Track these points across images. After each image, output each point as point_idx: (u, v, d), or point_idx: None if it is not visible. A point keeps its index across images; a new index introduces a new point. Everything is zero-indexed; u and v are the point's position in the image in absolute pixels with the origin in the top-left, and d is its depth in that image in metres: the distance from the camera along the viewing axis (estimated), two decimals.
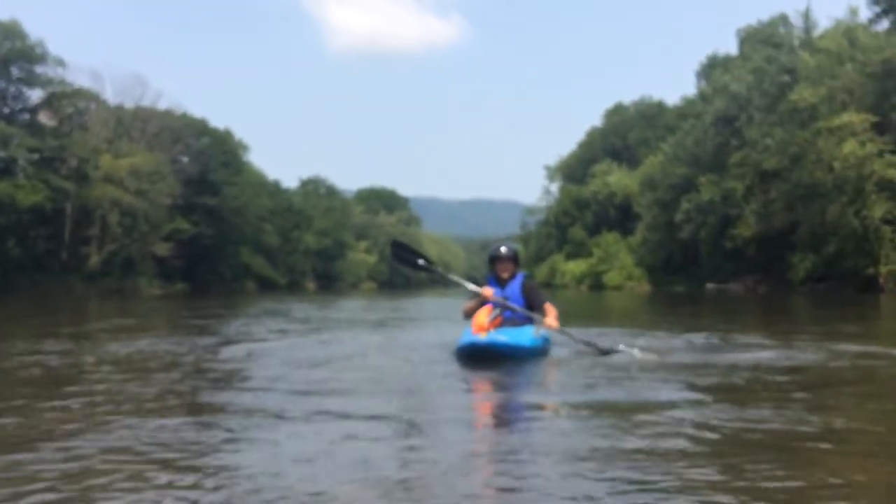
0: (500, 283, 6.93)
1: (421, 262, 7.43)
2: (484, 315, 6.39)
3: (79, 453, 3.14)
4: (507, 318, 6.62)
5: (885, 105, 35.87)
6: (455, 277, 7.49)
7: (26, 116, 46.27)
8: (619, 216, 71.21)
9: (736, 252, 47.56)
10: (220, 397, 4.56)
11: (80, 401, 4.42)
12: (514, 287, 6.90)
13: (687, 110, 61.62)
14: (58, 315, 18.03)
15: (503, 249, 7.02)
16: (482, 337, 6.06)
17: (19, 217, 40.54)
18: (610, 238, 68.08)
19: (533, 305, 6.81)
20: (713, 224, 49.13)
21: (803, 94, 37.77)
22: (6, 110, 45.44)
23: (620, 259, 65.26)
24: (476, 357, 6.00)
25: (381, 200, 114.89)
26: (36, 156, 43.72)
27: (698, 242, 52.17)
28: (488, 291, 6.69)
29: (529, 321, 6.65)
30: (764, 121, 42.56)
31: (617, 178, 73.07)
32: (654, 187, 57.82)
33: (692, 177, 51.06)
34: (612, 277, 63.43)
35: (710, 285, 48.36)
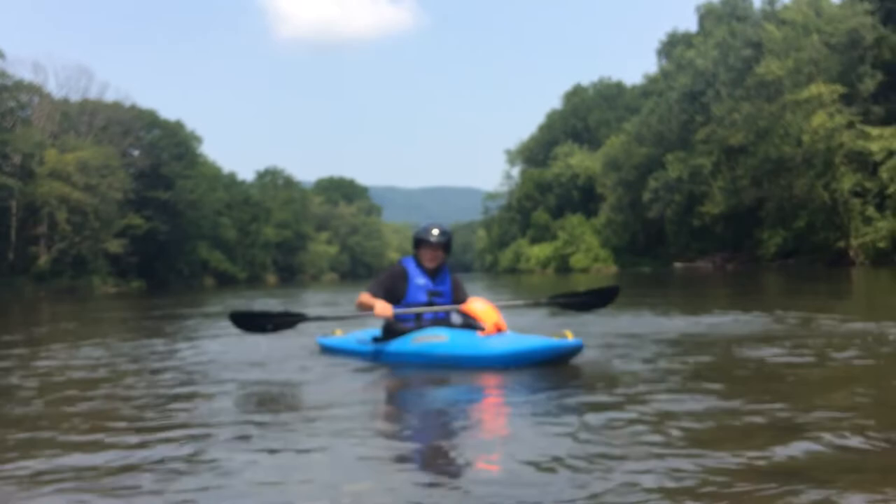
0: (427, 273, 5.47)
1: (270, 324, 5.78)
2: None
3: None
4: (440, 319, 5.33)
5: (852, 75, 35.65)
6: (342, 313, 6.26)
7: None
8: (583, 198, 70.84)
9: (703, 230, 47.34)
10: (173, 408, 4.04)
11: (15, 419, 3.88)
12: (447, 281, 5.52)
13: (650, 88, 61.28)
14: (2, 318, 16.71)
15: (435, 232, 5.44)
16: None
17: None
18: (574, 220, 67.63)
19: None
20: (680, 202, 48.83)
21: (770, 67, 37.43)
22: None
23: (586, 241, 64.87)
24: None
25: (340, 190, 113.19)
26: None
27: (664, 222, 51.88)
28: (386, 309, 5.20)
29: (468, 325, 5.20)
30: (730, 96, 42.18)
31: (579, 160, 72.67)
32: (618, 167, 57.44)
33: (657, 156, 50.69)
34: (578, 260, 63.03)
35: (677, 264, 48.08)
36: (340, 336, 6.07)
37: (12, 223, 44.38)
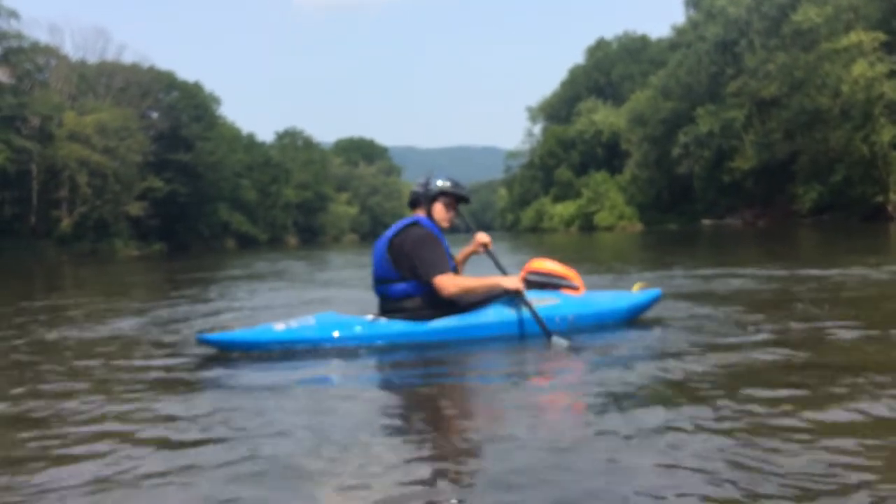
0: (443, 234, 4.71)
1: None
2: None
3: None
4: None
5: (893, 22, 34.08)
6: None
7: None
8: (607, 154, 69.57)
9: (732, 186, 46.17)
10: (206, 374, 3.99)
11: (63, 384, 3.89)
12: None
13: (677, 40, 59.51)
14: (27, 284, 16.39)
15: (458, 184, 4.77)
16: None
17: None
18: (598, 177, 66.43)
19: None
20: (708, 157, 47.57)
21: (807, 15, 35.88)
22: None
23: (610, 198, 63.77)
24: None
25: (360, 151, 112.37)
26: None
27: (691, 178, 50.70)
28: (518, 283, 4.53)
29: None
30: (764, 46, 40.65)
31: (603, 116, 71.18)
32: (644, 123, 56.08)
33: (685, 110, 49.31)
34: (602, 218, 62.03)
35: (706, 221, 47.06)
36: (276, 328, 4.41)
37: (33, 187, 44.17)
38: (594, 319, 4.71)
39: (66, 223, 45.18)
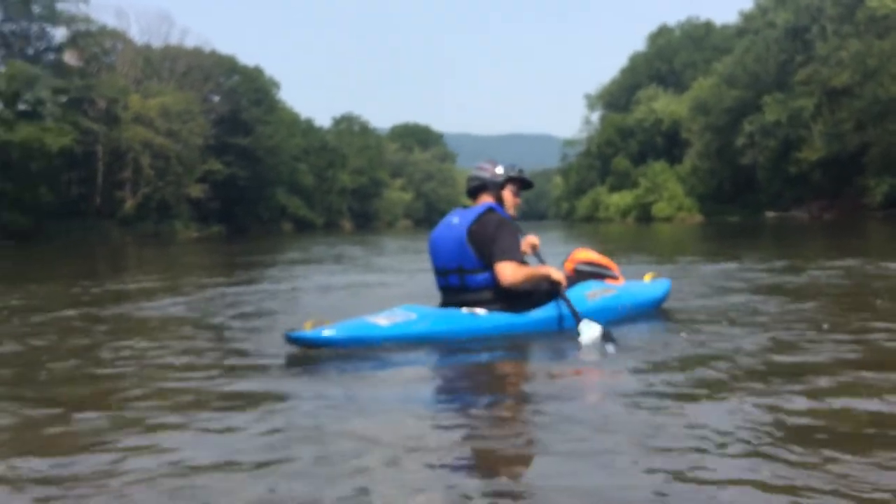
0: None
1: None
2: None
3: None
4: None
5: None
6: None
7: (51, 57, 44.58)
8: (667, 144, 68.17)
9: (798, 177, 44.77)
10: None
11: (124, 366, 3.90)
12: None
13: (744, 27, 57.81)
14: (96, 264, 16.74)
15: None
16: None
17: (49, 161, 39.19)
18: (657, 167, 65.13)
19: None
20: (774, 148, 46.17)
21: (883, 1, 34.40)
22: (30, 50, 43.79)
23: (669, 189, 62.47)
24: None
25: (416, 137, 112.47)
26: (63, 97, 42.15)
27: (755, 168, 49.33)
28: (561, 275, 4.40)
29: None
30: (836, 33, 39.19)
31: (664, 104, 69.69)
32: (707, 111, 54.68)
33: (750, 98, 47.90)
34: (660, 208, 60.84)
35: (770, 214, 45.76)
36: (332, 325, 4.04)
37: (99, 168, 45.30)
38: (641, 309, 4.87)
39: (129, 204, 46.25)
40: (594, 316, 4.31)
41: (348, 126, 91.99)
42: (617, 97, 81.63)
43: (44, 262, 16.99)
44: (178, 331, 5.02)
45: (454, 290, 4.36)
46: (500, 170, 4.53)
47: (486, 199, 4.48)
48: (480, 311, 4.20)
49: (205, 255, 19.49)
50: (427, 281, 5.24)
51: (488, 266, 4.22)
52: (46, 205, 39.36)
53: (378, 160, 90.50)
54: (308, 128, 78.32)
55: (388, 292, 6.13)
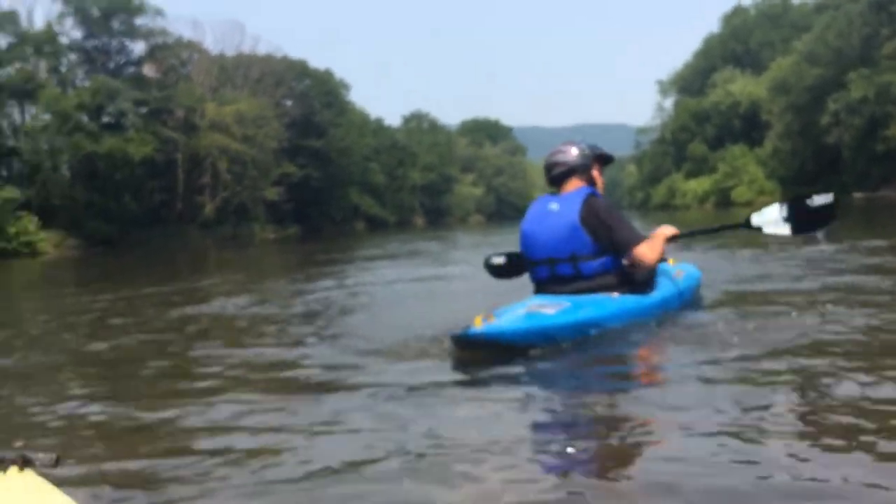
0: None
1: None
2: None
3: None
4: None
5: None
6: None
7: (131, 70, 46.26)
8: (745, 127, 65.99)
9: (887, 156, 42.67)
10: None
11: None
12: None
13: (824, 2, 55.45)
14: (181, 268, 17.23)
15: None
16: None
17: (132, 171, 40.72)
18: (736, 151, 63.15)
19: None
20: (860, 126, 44.14)
21: None
22: (111, 65, 45.55)
23: (749, 172, 60.54)
24: None
25: (485, 131, 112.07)
26: (143, 109, 43.70)
27: (840, 148, 47.26)
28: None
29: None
30: None
31: (740, 86, 67.49)
32: (787, 91, 52.65)
33: (833, 76, 45.89)
34: (740, 193, 58.99)
35: (857, 194, 43.77)
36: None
37: (179, 175, 46.78)
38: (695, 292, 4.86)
39: (208, 209, 47.62)
40: (684, 295, 4.42)
41: (418, 124, 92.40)
42: (691, 81, 79.54)
43: (130, 268, 17.58)
44: (277, 329, 5.09)
45: (565, 280, 4.13)
46: (585, 150, 4.35)
47: (577, 184, 4.29)
48: (615, 294, 4.05)
49: (286, 256, 19.91)
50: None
51: (603, 252, 4.07)
52: (130, 213, 40.89)
53: (448, 156, 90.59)
54: (378, 127, 79.02)
55: (476, 286, 6.03)
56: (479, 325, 3.52)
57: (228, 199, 48.39)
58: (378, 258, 13.91)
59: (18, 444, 2.63)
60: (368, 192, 69.67)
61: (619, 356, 3.65)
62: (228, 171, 47.90)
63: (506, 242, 19.07)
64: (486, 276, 4.80)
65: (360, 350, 3.97)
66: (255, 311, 6.14)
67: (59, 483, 1.15)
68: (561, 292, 4.06)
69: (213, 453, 2.44)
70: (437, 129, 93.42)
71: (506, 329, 3.57)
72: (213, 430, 2.74)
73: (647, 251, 4.08)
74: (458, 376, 3.39)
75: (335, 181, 61.85)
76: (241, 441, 2.57)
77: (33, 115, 41.71)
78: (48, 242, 35.58)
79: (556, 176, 4.32)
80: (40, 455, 1.09)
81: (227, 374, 3.65)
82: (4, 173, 39.37)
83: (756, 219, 4.14)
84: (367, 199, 68.76)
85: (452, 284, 7.21)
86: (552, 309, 3.74)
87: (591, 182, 4.32)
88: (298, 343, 4.39)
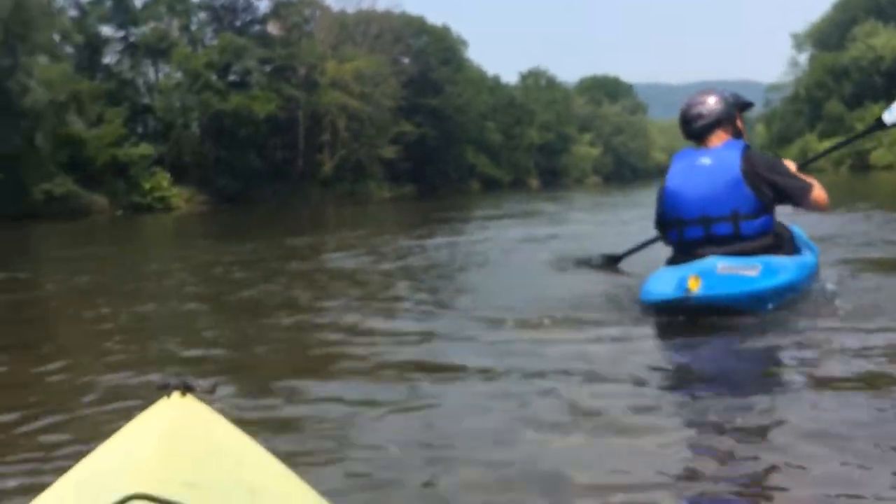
0: None
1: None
2: None
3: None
4: None
5: None
6: None
7: (256, 28, 47.50)
8: (887, 84, 61.22)
9: None
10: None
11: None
12: None
13: None
14: (307, 223, 17.73)
15: None
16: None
17: (257, 128, 42.04)
18: (876, 110, 58.18)
19: None
20: None
21: None
22: (237, 23, 46.86)
23: (890, 134, 56.21)
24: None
25: (604, 89, 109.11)
26: (267, 67, 44.88)
27: None
28: None
29: None
30: None
31: (884, 40, 62.67)
32: None
33: None
34: (880, 156, 55.03)
35: None
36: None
37: (300, 132, 47.94)
38: None
39: (327, 166, 48.67)
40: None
41: (535, 81, 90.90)
42: (828, 35, 74.43)
43: (255, 223, 18.23)
44: (401, 287, 5.13)
45: (722, 241, 3.78)
46: (728, 98, 4.03)
47: (723, 136, 3.96)
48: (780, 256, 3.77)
49: (403, 214, 20.10)
50: (640, 233, 4.93)
51: (764, 210, 3.76)
52: (254, 169, 42.32)
53: (566, 115, 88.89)
54: (495, 85, 78.30)
55: (598, 245, 5.84)
56: (695, 289, 3.28)
57: (346, 157, 49.25)
58: (496, 218, 13.79)
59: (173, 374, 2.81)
60: (484, 152, 69.35)
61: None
62: (346, 129, 48.69)
63: (627, 204, 18.53)
64: (610, 238, 4.70)
65: (485, 316, 3.86)
66: (376, 268, 6.16)
67: None
68: (716, 254, 3.72)
69: (334, 401, 2.52)
70: (554, 86, 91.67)
71: (732, 292, 3.35)
72: (332, 384, 2.83)
73: (821, 193, 3.79)
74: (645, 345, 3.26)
75: (451, 140, 61.85)
76: (359, 390, 2.65)
77: (166, 74, 43.67)
78: (180, 198, 37.43)
79: (700, 129, 3.99)
80: (200, 382, 1.17)
81: (346, 328, 3.69)
82: (140, 130, 41.46)
83: (888, 116, 3.68)
84: (482, 158, 68.48)
85: (580, 243, 6.97)
86: (753, 271, 3.46)
87: (738, 133, 4.02)
88: (427, 302, 4.32)
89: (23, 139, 30.75)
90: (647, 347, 3.22)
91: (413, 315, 3.96)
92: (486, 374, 2.77)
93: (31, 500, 0.98)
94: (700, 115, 3.98)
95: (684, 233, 3.91)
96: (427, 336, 3.47)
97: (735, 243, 3.74)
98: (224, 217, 23.65)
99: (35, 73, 31.75)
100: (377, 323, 3.79)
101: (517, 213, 15.59)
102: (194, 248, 10.86)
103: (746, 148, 3.83)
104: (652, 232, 4.48)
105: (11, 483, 2.02)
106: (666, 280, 3.53)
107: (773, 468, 1.88)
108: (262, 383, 2.86)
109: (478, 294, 4.50)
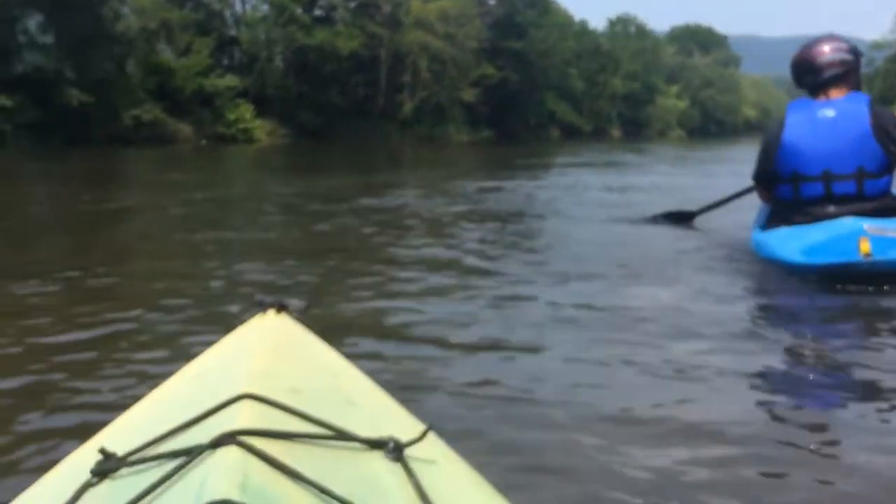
0: None
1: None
2: None
3: None
4: None
5: None
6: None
7: None
8: None
9: None
10: None
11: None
12: None
13: None
14: (385, 162, 17.87)
15: None
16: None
17: (340, 64, 42.09)
18: None
19: None
20: None
21: None
22: None
23: None
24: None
25: (696, 39, 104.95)
26: (352, 3, 44.66)
27: None
28: None
29: None
30: None
31: None
32: None
33: None
34: None
35: None
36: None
37: (382, 71, 47.77)
38: None
39: (407, 107, 48.50)
40: None
41: (624, 28, 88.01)
42: None
43: (336, 159, 18.42)
44: (476, 232, 5.08)
45: (843, 200, 3.53)
46: (854, 47, 3.79)
47: (844, 89, 3.69)
48: None
49: (482, 158, 20.05)
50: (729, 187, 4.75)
51: (889, 169, 3.52)
52: (335, 106, 42.52)
53: (653, 64, 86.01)
54: (581, 30, 76.19)
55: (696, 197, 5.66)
56: (867, 252, 3.04)
57: (426, 98, 48.93)
58: (576, 166, 13.53)
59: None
60: (566, 99, 67.91)
61: None
62: (428, 69, 48.26)
63: (713, 159, 17.94)
64: (696, 193, 4.52)
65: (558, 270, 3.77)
66: (453, 211, 6.13)
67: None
68: (838, 215, 3.48)
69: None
70: (644, 34, 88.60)
71: None
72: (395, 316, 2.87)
73: None
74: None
75: (533, 85, 60.67)
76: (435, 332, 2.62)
77: (253, 6, 43.94)
78: (262, 130, 37.98)
79: (830, 78, 3.72)
80: (294, 301, 1.25)
81: (419, 276, 3.70)
82: (226, 62, 42.01)
83: None
84: (563, 105, 67.10)
85: (663, 197, 6.77)
86: None
87: (858, 86, 3.72)
88: (506, 251, 4.26)
89: (115, 65, 31.57)
90: (751, 306, 3.09)
91: (493, 264, 3.90)
92: (572, 324, 2.70)
93: (146, 393, 1.05)
94: (832, 64, 3.70)
95: (801, 189, 3.63)
96: (509, 282, 3.41)
97: (856, 203, 3.48)
98: (304, 151, 23.90)
99: (127, 0, 32.40)
100: (453, 272, 3.74)
101: (598, 162, 15.27)
102: (276, 180, 11.08)
103: (870, 101, 3.56)
104: (734, 188, 4.28)
105: (126, 381, 2.20)
106: (814, 241, 3.23)
107: None
108: (338, 318, 2.86)
109: (560, 246, 4.43)
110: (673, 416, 1.88)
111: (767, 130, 3.89)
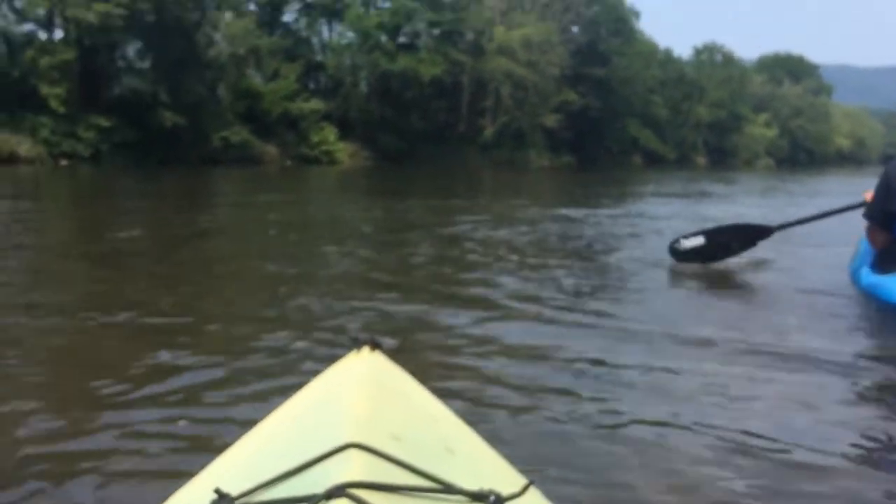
0: None
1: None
2: None
3: None
4: None
5: None
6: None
7: None
8: None
9: None
10: None
11: None
12: None
13: None
14: (466, 186, 17.91)
15: None
16: None
17: (422, 90, 42.66)
18: None
19: None
20: None
21: None
22: None
23: None
24: None
25: (786, 68, 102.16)
26: (436, 30, 45.25)
27: None
28: None
29: None
30: None
31: None
32: None
33: None
34: None
35: None
36: None
37: (464, 97, 48.17)
38: None
39: (488, 132, 48.71)
40: None
41: (710, 56, 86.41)
42: None
43: (416, 182, 18.51)
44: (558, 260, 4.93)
45: None
46: None
47: None
48: None
49: (563, 184, 19.83)
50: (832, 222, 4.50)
51: None
52: (417, 130, 43.09)
53: (740, 93, 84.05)
54: (666, 58, 75.31)
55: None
56: None
57: (507, 123, 49.06)
58: (659, 195, 13.23)
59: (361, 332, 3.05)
60: (649, 126, 67.07)
61: None
62: (510, 95, 48.44)
63: (803, 192, 17.28)
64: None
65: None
66: (539, 243, 6.01)
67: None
68: None
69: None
70: (731, 62, 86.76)
71: None
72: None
73: None
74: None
75: (615, 112, 60.20)
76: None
77: (339, 33, 45.08)
78: (344, 152, 38.76)
79: None
80: (387, 339, 1.29)
81: (495, 305, 3.70)
82: (312, 86, 43.12)
83: None
84: (646, 132, 66.27)
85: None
86: None
87: None
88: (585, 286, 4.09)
89: (206, 89, 32.80)
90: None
91: (588, 303, 3.76)
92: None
93: (243, 434, 1.05)
94: None
95: None
96: (609, 329, 3.25)
97: None
98: (385, 174, 24.21)
99: (220, 28, 33.68)
100: (545, 314, 3.58)
101: (683, 192, 14.87)
102: (359, 204, 11.21)
103: None
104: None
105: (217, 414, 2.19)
106: None
107: None
108: (428, 357, 2.79)
109: (662, 290, 4.24)
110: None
111: (888, 166, 3.60)
